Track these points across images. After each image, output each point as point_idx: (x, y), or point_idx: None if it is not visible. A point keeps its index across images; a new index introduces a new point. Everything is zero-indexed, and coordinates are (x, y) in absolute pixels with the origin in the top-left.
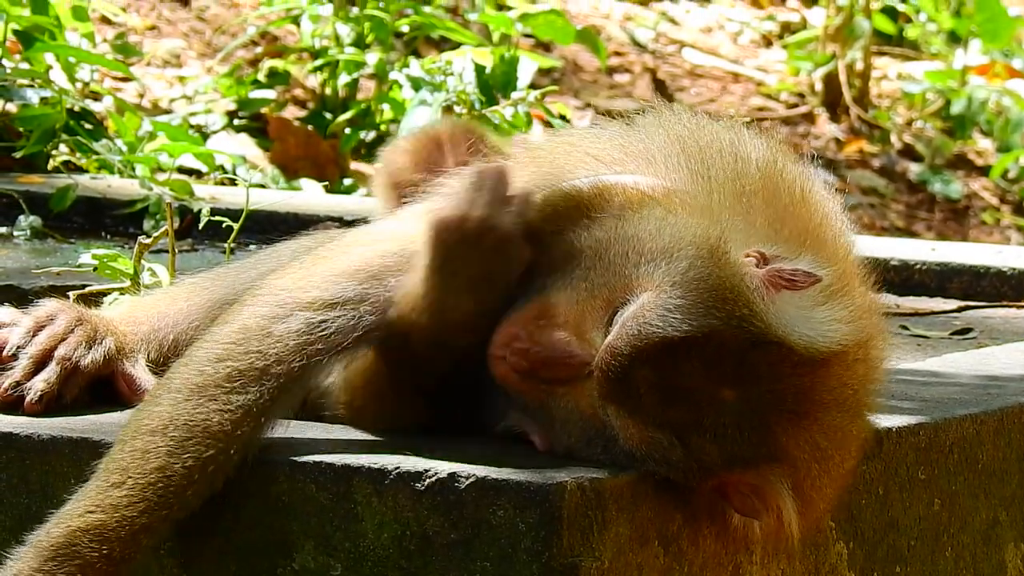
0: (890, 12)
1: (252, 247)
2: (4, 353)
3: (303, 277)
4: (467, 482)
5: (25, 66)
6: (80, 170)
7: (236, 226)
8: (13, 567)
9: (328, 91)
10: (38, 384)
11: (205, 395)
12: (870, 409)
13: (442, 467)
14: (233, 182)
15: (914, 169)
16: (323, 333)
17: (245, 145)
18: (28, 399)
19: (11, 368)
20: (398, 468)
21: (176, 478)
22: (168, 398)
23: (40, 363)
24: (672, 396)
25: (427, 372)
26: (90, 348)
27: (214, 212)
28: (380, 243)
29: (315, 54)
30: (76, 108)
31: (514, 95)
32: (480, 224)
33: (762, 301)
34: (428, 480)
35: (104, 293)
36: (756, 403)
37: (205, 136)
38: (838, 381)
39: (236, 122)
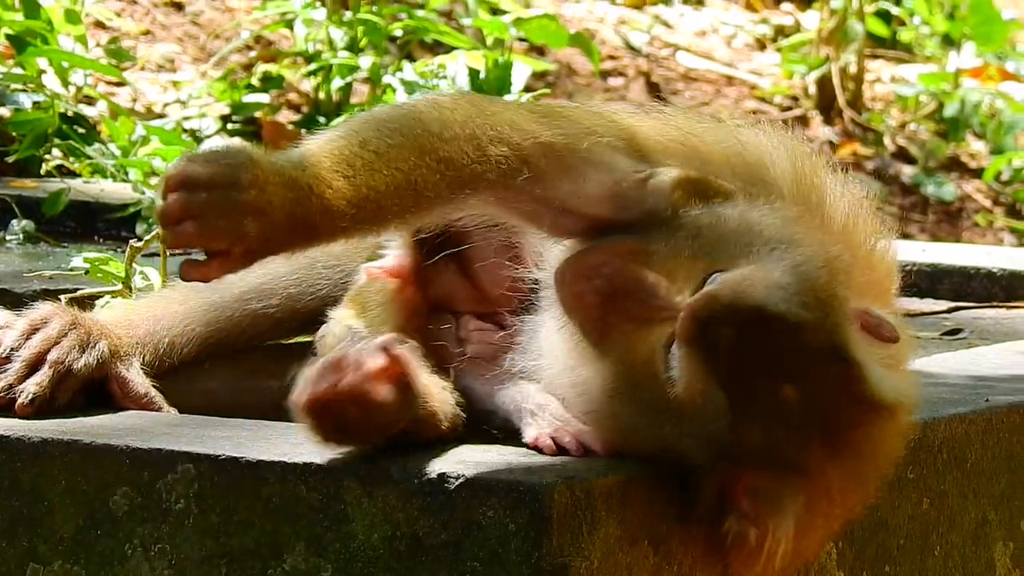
0: (884, 15)
1: None
2: None
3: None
4: (457, 483)
5: (18, 71)
6: (73, 174)
7: None
8: (275, 160)
9: (322, 95)
10: (30, 387)
11: (485, 134)
12: (880, 473)
13: (432, 467)
14: None
15: (907, 171)
16: None
17: None
18: (20, 401)
19: (4, 371)
20: (388, 469)
21: (419, 180)
22: (448, 115)
23: (33, 366)
24: (743, 362)
25: None
26: (83, 351)
27: None
28: None
29: (309, 58)
30: (69, 112)
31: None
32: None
33: (850, 323)
34: (418, 480)
35: (96, 296)
36: (814, 415)
37: (199, 140)
38: (886, 433)
39: (230, 126)
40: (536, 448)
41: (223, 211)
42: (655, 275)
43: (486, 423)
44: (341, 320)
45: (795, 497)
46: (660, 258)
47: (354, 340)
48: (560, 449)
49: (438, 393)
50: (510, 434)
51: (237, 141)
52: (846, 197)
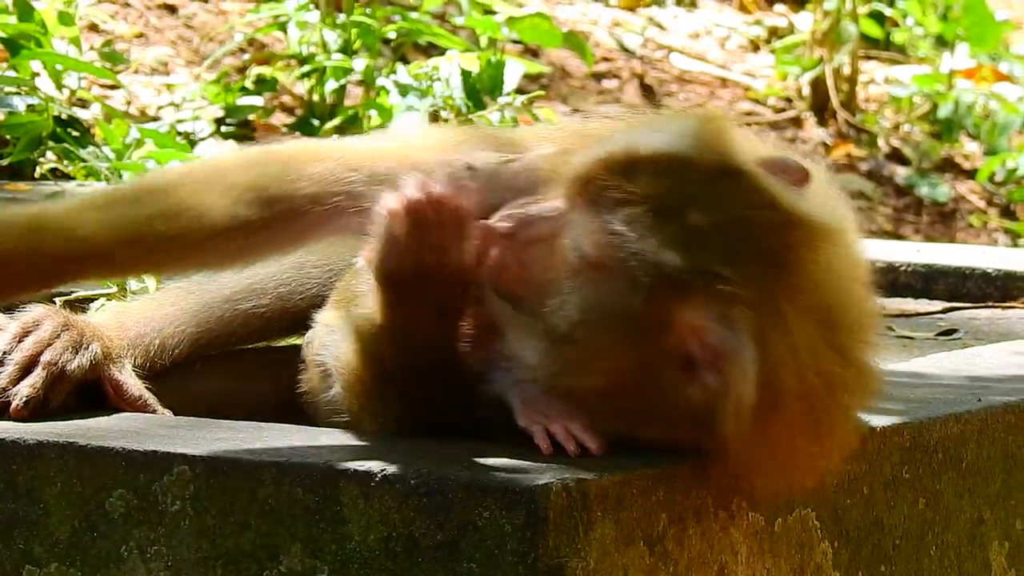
0: (877, 16)
1: None
2: None
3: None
4: (453, 483)
5: (11, 73)
6: (67, 177)
7: None
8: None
9: (316, 97)
10: (24, 389)
11: (232, 197)
12: (848, 379)
13: (428, 468)
14: None
15: (901, 173)
16: (343, 189)
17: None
18: (14, 404)
19: None
20: (384, 470)
21: (155, 233)
22: (188, 174)
23: (26, 368)
24: (637, 204)
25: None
26: (76, 353)
27: None
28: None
29: (302, 61)
30: (63, 115)
31: (501, 100)
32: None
33: (741, 144)
34: (414, 481)
35: (91, 299)
36: (725, 228)
37: (193, 143)
38: (817, 263)
39: (224, 129)
40: (528, 433)
41: None
42: (541, 203)
43: (477, 397)
44: (327, 323)
45: (742, 317)
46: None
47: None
48: (554, 445)
49: None
50: (497, 411)
51: (231, 143)
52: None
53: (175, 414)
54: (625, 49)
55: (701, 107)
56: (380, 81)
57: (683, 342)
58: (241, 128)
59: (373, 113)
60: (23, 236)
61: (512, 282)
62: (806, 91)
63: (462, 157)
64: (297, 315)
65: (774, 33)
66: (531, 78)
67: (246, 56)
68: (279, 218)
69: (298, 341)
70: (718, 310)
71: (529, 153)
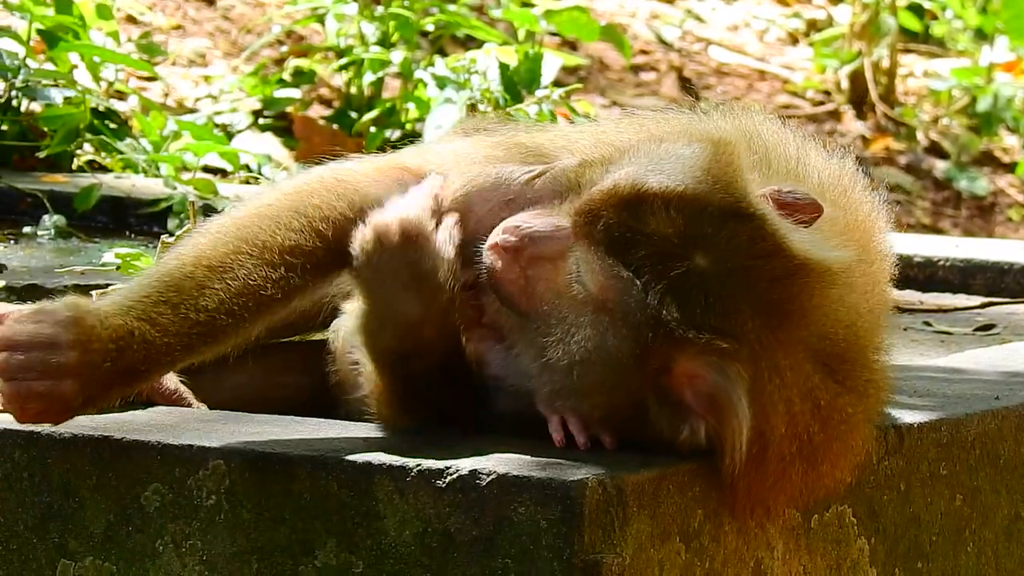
0: (916, 9)
1: None
2: None
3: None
4: (488, 479)
5: (49, 66)
6: (104, 169)
7: None
8: (90, 319)
9: (353, 90)
10: None
11: (266, 258)
12: (856, 392)
13: (463, 464)
14: (258, 181)
15: (940, 166)
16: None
17: (270, 144)
18: None
19: None
20: (419, 465)
21: (220, 326)
22: (233, 242)
23: None
24: (642, 242)
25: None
26: None
27: None
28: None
29: (340, 53)
30: (100, 108)
31: (538, 93)
32: (403, 232)
33: (755, 185)
34: (449, 477)
35: None
36: (728, 276)
37: (230, 135)
38: (819, 297)
39: (261, 121)
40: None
41: (40, 374)
42: (548, 217)
43: (496, 387)
44: (352, 313)
45: (738, 373)
46: (562, 204)
47: None
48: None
49: None
50: (520, 398)
51: (269, 136)
52: (823, 167)
53: (211, 408)
54: (663, 42)
55: (737, 100)
56: (418, 74)
57: (679, 389)
58: (278, 120)
59: (411, 105)
60: (108, 358)
61: (515, 294)
62: (844, 84)
63: (491, 172)
64: (330, 306)
65: (813, 26)
66: (569, 71)
67: (284, 48)
68: (315, 273)
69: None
70: (715, 364)
71: (554, 166)
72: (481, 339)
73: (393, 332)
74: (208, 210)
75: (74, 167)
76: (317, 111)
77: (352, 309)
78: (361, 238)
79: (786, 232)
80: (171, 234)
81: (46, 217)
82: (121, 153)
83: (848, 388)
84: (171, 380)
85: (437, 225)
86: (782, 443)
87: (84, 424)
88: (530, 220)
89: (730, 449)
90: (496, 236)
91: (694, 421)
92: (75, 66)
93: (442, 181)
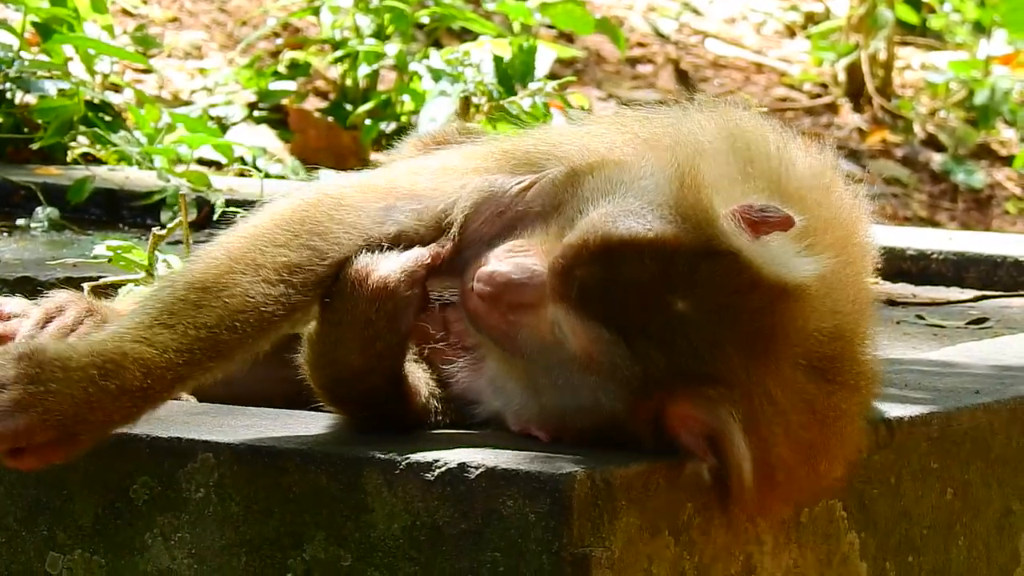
0: (913, 2)
1: None
2: None
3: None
4: (477, 472)
5: (44, 58)
6: (98, 162)
7: None
8: (65, 351)
9: (348, 82)
10: None
11: (262, 276)
12: (849, 388)
13: (452, 457)
14: (253, 174)
15: (937, 159)
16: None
17: (265, 137)
18: None
19: None
20: (408, 459)
21: (223, 341)
22: (225, 263)
23: None
24: (619, 294)
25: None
26: None
27: (231, 203)
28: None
29: (335, 45)
30: (95, 100)
31: (532, 85)
32: (375, 288)
33: (723, 218)
34: (438, 470)
35: (119, 284)
36: (709, 316)
37: (225, 128)
38: (801, 320)
39: (256, 114)
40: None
41: (22, 407)
42: (530, 259)
43: (467, 407)
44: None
45: (730, 410)
46: (534, 241)
47: None
48: None
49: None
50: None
51: (264, 128)
52: (804, 164)
53: (200, 401)
54: (660, 34)
55: (734, 93)
56: (413, 66)
57: (674, 432)
58: (274, 113)
59: (406, 98)
60: (96, 381)
61: (499, 338)
62: (842, 77)
63: (483, 184)
64: None
65: (810, 18)
66: (565, 63)
67: (279, 41)
68: (321, 289)
69: None
70: (708, 408)
71: (544, 175)
72: (447, 356)
73: (333, 369)
74: (201, 202)
75: (68, 159)
76: (312, 103)
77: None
78: (342, 274)
79: (761, 262)
80: (163, 227)
81: (39, 209)
82: (115, 146)
83: (840, 384)
84: None
85: (410, 294)
86: (785, 459)
87: None
88: (504, 266)
89: (736, 481)
90: (472, 282)
91: (694, 461)
92: (70, 58)
93: (431, 254)
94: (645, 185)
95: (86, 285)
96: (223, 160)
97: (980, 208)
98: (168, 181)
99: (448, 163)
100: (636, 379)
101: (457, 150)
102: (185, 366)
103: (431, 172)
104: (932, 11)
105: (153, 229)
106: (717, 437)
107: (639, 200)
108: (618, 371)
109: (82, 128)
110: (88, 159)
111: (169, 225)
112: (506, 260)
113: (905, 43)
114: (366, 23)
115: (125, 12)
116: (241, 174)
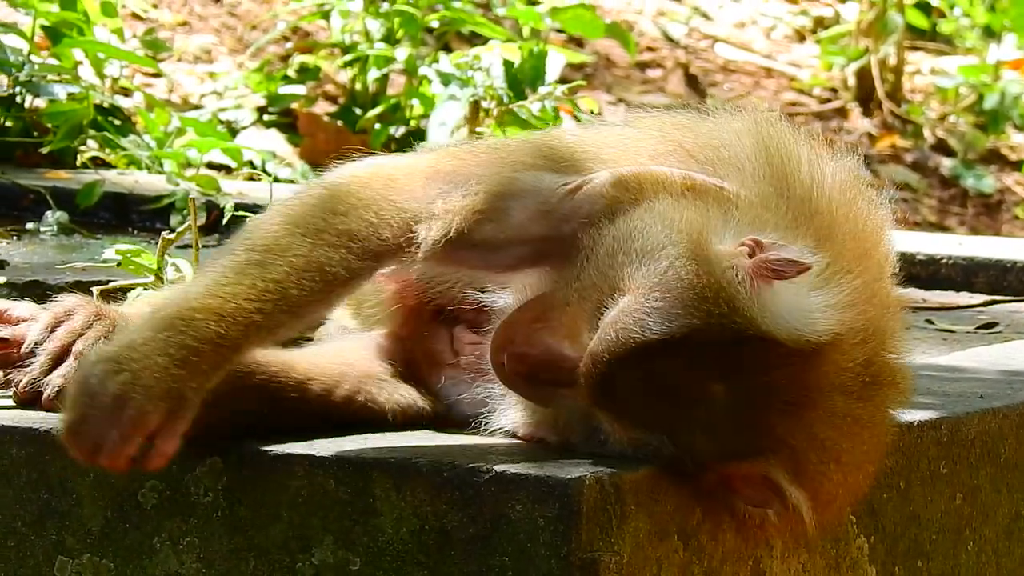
0: (923, 7)
1: None
2: (22, 349)
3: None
4: (486, 477)
5: (53, 62)
6: (108, 166)
7: None
8: (126, 336)
9: (358, 86)
10: (55, 380)
11: (324, 240)
12: (886, 393)
13: (461, 462)
14: (262, 177)
15: (947, 164)
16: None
17: (275, 141)
18: (46, 395)
19: (29, 364)
20: (417, 463)
21: (291, 295)
22: (287, 227)
23: (58, 359)
24: (656, 397)
25: None
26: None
27: (240, 207)
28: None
29: (345, 49)
30: (104, 104)
31: (542, 90)
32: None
33: (746, 295)
34: (447, 475)
35: (128, 288)
36: (747, 396)
37: (234, 132)
38: (835, 367)
39: (266, 118)
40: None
41: (117, 428)
42: (559, 336)
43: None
44: (338, 320)
45: (784, 475)
46: (559, 311)
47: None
48: None
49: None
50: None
51: (273, 132)
52: (832, 174)
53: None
54: (670, 39)
55: (743, 98)
56: (423, 70)
57: (732, 489)
58: (283, 117)
59: (415, 102)
60: (172, 339)
61: (527, 396)
62: (851, 81)
63: (528, 179)
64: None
65: (820, 23)
66: (575, 68)
67: (289, 44)
68: (376, 262)
69: None
70: (761, 476)
71: (591, 179)
72: (453, 378)
73: None
74: (211, 206)
75: (77, 163)
76: (322, 107)
77: (337, 315)
78: None
79: (789, 333)
80: (172, 231)
81: (49, 213)
82: (124, 149)
83: (872, 396)
84: None
85: None
86: (838, 481)
87: None
88: (535, 350)
89: (799, 524)
90: (503, 355)
91: (755, 512)
92: (79, 62)
93: None
94: (660, 270)
95: (95, 289)
96: (232, 164)
97: (990, 213)
98: (177, 185)
99: (495, 154)
100: (682, 462)
101: (502, 141)
102: (258, 313)
103: (477, 160)
104: (942, 16)
105: (162, 233)
106: (775, 498)
107: (655, 293)
108: (662, 456)
109: (92, 132)
110: (97, 163)
111: (179, 229)
112: (536, 341)
113: (915, 48)
114: (376, 27)
115: (135, 16)
116: (251, 178)
